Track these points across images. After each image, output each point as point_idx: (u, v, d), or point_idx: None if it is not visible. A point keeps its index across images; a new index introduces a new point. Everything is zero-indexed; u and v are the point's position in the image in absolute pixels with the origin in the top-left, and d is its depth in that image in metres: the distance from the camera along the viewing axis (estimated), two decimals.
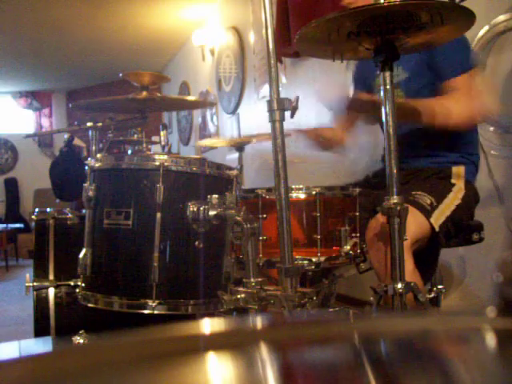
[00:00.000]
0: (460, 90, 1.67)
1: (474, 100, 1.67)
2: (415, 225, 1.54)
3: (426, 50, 1.65)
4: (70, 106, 2.24)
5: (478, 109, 1.69)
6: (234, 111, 5.10)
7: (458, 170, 1.77)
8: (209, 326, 0.40)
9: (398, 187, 1.30)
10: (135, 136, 3.23)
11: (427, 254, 1.64)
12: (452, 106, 1.66)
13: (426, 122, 1.66)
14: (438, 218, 1.61)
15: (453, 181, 1.76)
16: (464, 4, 2.11)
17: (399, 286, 1.28)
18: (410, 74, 1.80)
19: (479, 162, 1.87)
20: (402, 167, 1.57)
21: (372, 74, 2.00)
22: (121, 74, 1.97)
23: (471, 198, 1.78)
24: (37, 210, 2.03)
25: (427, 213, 1.59)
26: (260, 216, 1.61)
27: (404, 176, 1.71)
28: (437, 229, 1.58)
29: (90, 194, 1.49)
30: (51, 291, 1.88)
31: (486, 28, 2.22)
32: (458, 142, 1.81)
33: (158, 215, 1.40)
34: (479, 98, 1.69)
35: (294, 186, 1.63)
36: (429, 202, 1.62)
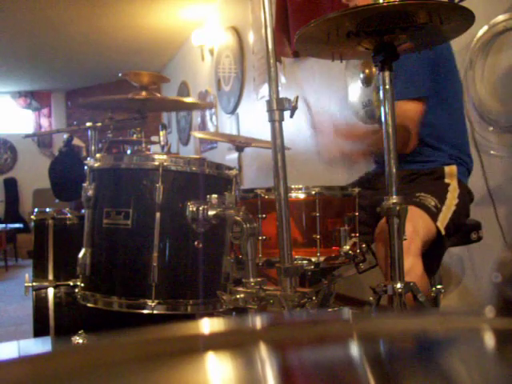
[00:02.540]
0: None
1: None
2: (424, 227, 1.54)
3: (425, 50, 1.65)
4: (69, 103, 2.24)
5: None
6: (233, 111, 5.10)
7: (451, 170, 1.78)
8: (208, 325, 0.40)
9: (397, 187, 1.30)
10: (134, 136, 3.22)
11: (430, 255, 1.64)
12: None
13: None
14: (443, 220, 1.62)
15: (446, 180, 1.77)
16: (463, 4, 2.11)
17: (398, 285, 1.28)
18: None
19: (471, 163, 1.88)
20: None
21: None
22: (120, 74, 1.97)
23: (466, 196, 1.79)
24: (36, 210, 2.03)
25: (434, 216, 1.60)
26: (259, 216, 1.61)
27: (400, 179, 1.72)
28: (443, 232, 1.59)
29: (90, 193, 1.49)
30: (50, 291, 1.88)
31: (486, 28, 2.22)
32: (444, 143, 1.81)
33: (158, 215, 1.40)
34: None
35: (293, 186, 1.63)
36: (433, 203, 1.63)
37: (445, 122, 1.83)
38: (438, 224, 1.59)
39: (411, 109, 1.70)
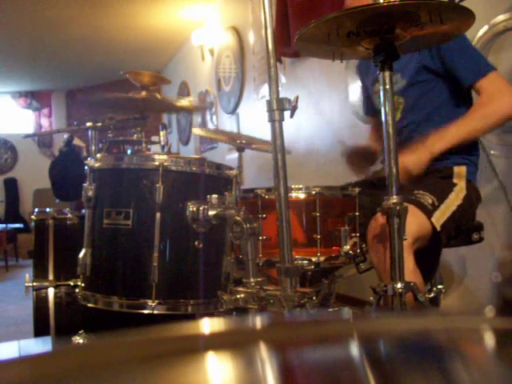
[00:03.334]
0: (487, 92, 1.69)
1: (507, 94, 1.68)
2: (416, 224, 1.54)
3: (425, 49, 1.66)
4: (69, 101, 2.24)
5: None
6: (233, 111, 5.10)
7: (460, 170, 1.78)
8: (208, 325, 0.40)
9: (398, 187, 1.30)
10: (135, 136, 3.23)
11: (428, 253, 1.64)
12: (485, 111, 1.69)
13: (473, 138, 1.75)
14: (440, 217, 1.61)
15: (454, 180, 1.76)
16: (463, 4, 2.11)
17: (399, 285, 1.28)
18: (409, 80, 1.81)
19: (479, 160, 1.88)
20: None
21: (367, 78, 2.02)
22: (121, 72, 1.98)
23: (473, 198, 1.78)
24: (36, 210, 2.03)
25: (428, 212, 1.59)
26: (260, 216, 1.61)
27: None
28: (438, 228, 1.58)
29: (90, 193, 1.49)
30: (51, 291, 1.88)
31: (486, 28, 2.22)
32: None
33: (158, 215, 1.40)
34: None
35: (293, 186, 1.63)
36: (430, 201, 1.62)
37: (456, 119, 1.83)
38: (433, 220, 1.58)
39: (500, 79, 1.71)
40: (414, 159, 1.65)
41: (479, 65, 1.72)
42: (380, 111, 1.29)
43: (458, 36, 1.39)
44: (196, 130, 5.64)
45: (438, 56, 1.73)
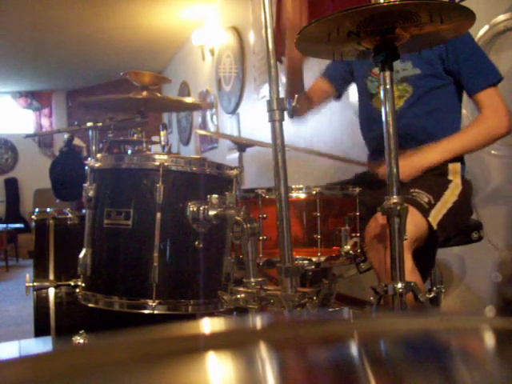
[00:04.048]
0: (484, 108, 1.74)
1: (501, 114, 1.73)
2: (413, 224, 1.54)
3: (425, 49, 1.66)
4: (70, 103, 2.24)
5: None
6: (233, 111, 5.11)
7: (454, 167, 1.79)
8: (209, 325, 0.40)
9: (398, 187, 1.30)
10: (135, 136, 3.24)
11: (425, 252, 1.64)
12: (481, 129, 1.75)
13: (467, 153, 1.82)
14: (436, 216, 1.61)
15: (450, 177, 1.77)
16: (464, 4, 2.11)
17: (399, 285, 1.28)
18: (422, 71, 1.80)
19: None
20: None
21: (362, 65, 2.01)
22: (122, 73, 1.98)
23: (469, 193, 1.80)
24: (37, 210, 2.03)
25: (425, 212, 1.59)
26: (260, 216, 1.61)
27: None
28: (435, 227, 1.58)
29: (90, 194, 1.49)
30: (51, 291, 1.88)
31: (486, 28, 2.22)
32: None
33: (158, 215, 1.40)
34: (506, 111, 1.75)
35: (293, 186, 1.63)
36: (426, 200, 1.62)
37: (455, 119, 1.84)
38: (430, 219, 1.58)
39: (498, 96, 1.75)
40: (409, 165, 1.68)
41: (481, 77, 1.74)
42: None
43: (458, 36, 1.39)
44: (198, 131, 5.64)
45: (453, 55, 1.75)
